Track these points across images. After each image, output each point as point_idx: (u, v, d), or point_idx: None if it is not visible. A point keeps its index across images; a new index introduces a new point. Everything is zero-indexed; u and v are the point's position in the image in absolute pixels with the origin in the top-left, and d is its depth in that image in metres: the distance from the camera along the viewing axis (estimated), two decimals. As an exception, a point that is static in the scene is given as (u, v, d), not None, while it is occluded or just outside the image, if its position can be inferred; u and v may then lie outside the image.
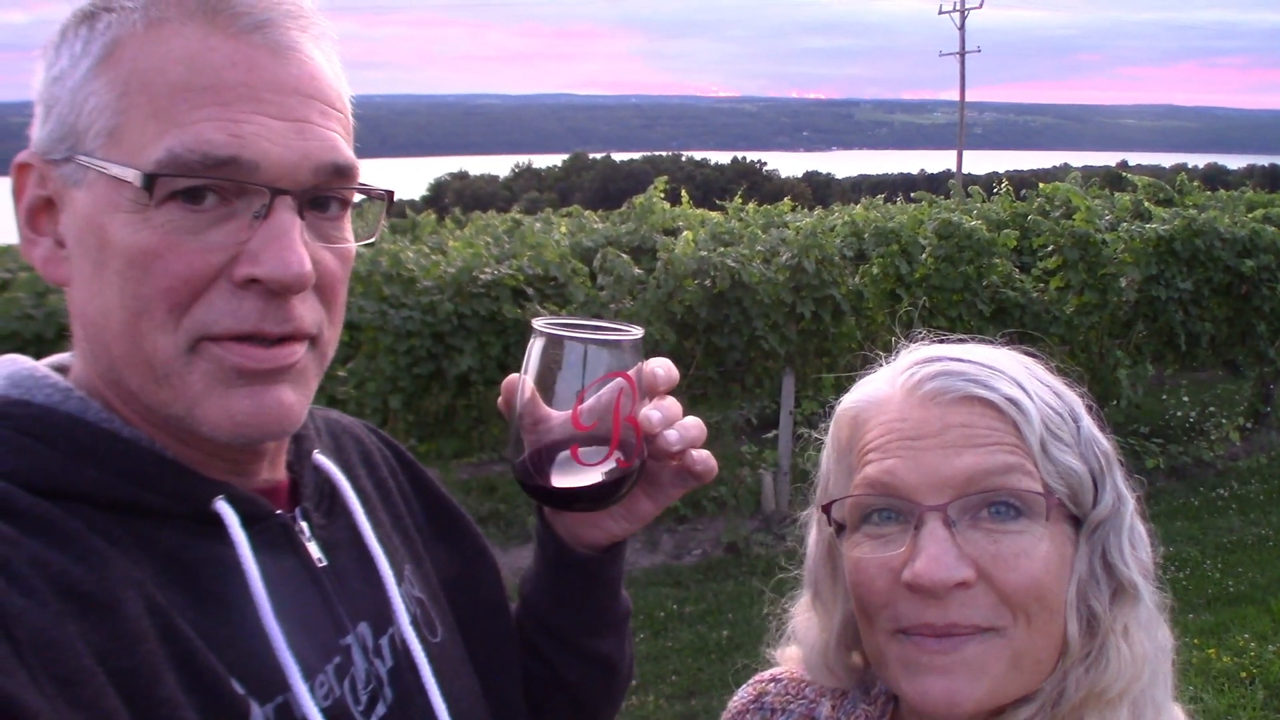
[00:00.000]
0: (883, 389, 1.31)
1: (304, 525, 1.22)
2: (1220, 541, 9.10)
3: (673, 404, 1.31)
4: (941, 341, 1.35)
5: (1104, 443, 1.28)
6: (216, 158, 1.01)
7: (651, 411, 1.27)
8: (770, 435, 10.56)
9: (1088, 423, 1.28)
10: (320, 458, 1.31)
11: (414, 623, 1.30)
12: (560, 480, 1.26)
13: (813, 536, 1.41)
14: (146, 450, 1.08)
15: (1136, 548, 1.27)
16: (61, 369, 1.16)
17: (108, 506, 1.03)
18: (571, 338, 1.25)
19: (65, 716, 0.87)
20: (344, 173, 1.11)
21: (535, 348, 1.26)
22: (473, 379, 8.38)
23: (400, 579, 1.32)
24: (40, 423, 1.05)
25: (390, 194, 1.19)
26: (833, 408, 1.37)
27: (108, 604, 0.95)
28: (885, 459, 1.23)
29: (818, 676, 1.44)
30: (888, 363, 1.36)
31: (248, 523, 1.11)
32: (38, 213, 1.10)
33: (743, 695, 1.54)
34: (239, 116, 1.02)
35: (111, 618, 0.95)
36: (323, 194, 1.10)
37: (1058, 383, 1.30)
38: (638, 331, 1.28)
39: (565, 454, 1.25)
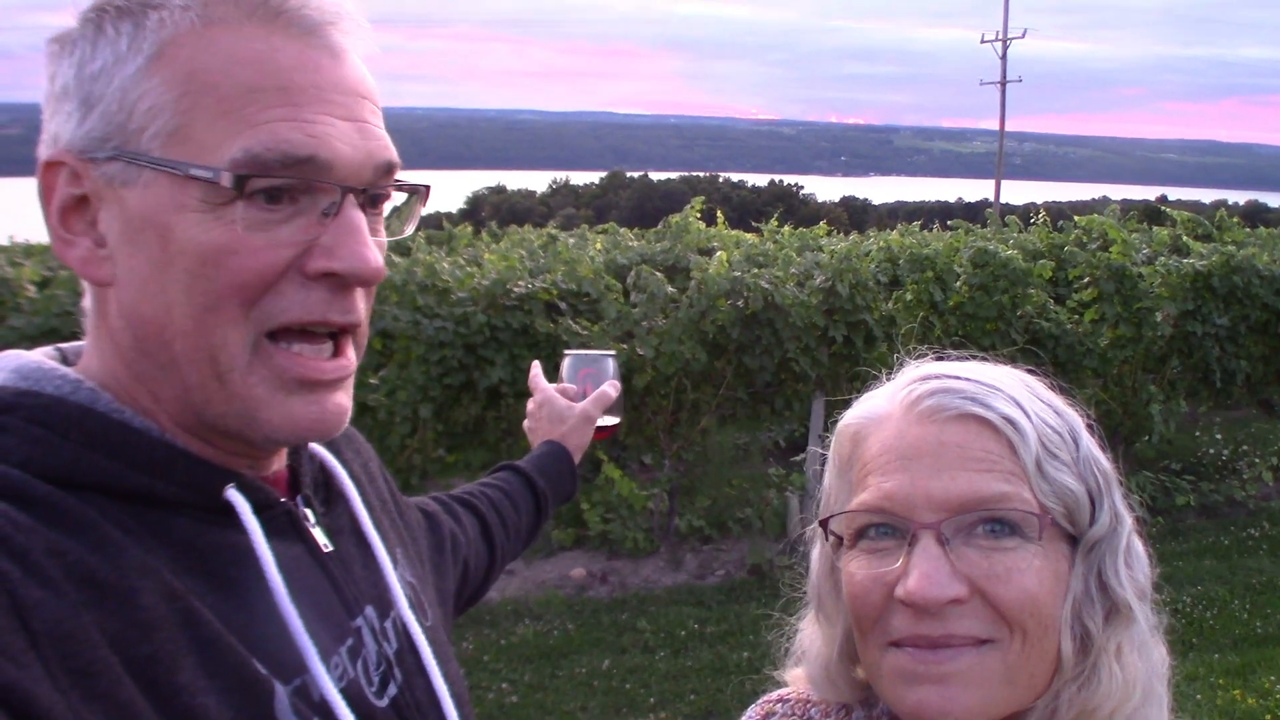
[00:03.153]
0: (882, 406, 1.32)
1: (307, 512, 1.24)
2: (1249, 582, 8.99)
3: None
4: (941, 359, 1.35)
5: (1104, 462, 1.28)
6: (295, 156, 1.03)
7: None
8: (798, 458, 10.54)
9: (1087, 441, 1.28)
10: (316, 447, 1.33)
11: (410, 606, 1.33)
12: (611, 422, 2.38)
13: (816, 551, 1.41)
14: (158, 440, 1.08)
15: (1133, 568, 1.26)
16: (63, 360, 1.16)
17: (120, 496, 1.03)
18: (594, 355, 2.44)
19: (80, 709, 0.87)
20: (393, 170, 1.15)
21: (568, 367, 2.42)
22: (503, 391, 8.41)
23: (395, 563, 1.35)
24: (51, 413, 1.04)
25: (427, 189, 1.23)
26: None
27: (124, 592, 0.95)
28: (883, 477, 1.24)
29: (822, 691, 1.44)
30: (889, 379, 1.37)
31: (257, 511, 1.12)
32: (69, 212, 1.09)
33: (750, 715, 1.54)
34: (310, 117, 1.05)
35: (128, 606, 0.95)
36: (378, 191, 1.14)
37: (1058, 401, 1.30)
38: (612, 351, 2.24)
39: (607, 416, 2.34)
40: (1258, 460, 11.85)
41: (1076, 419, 1.29)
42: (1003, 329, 10.06)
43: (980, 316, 10.07)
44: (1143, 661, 1.24)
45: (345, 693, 1.13)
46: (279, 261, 1.06)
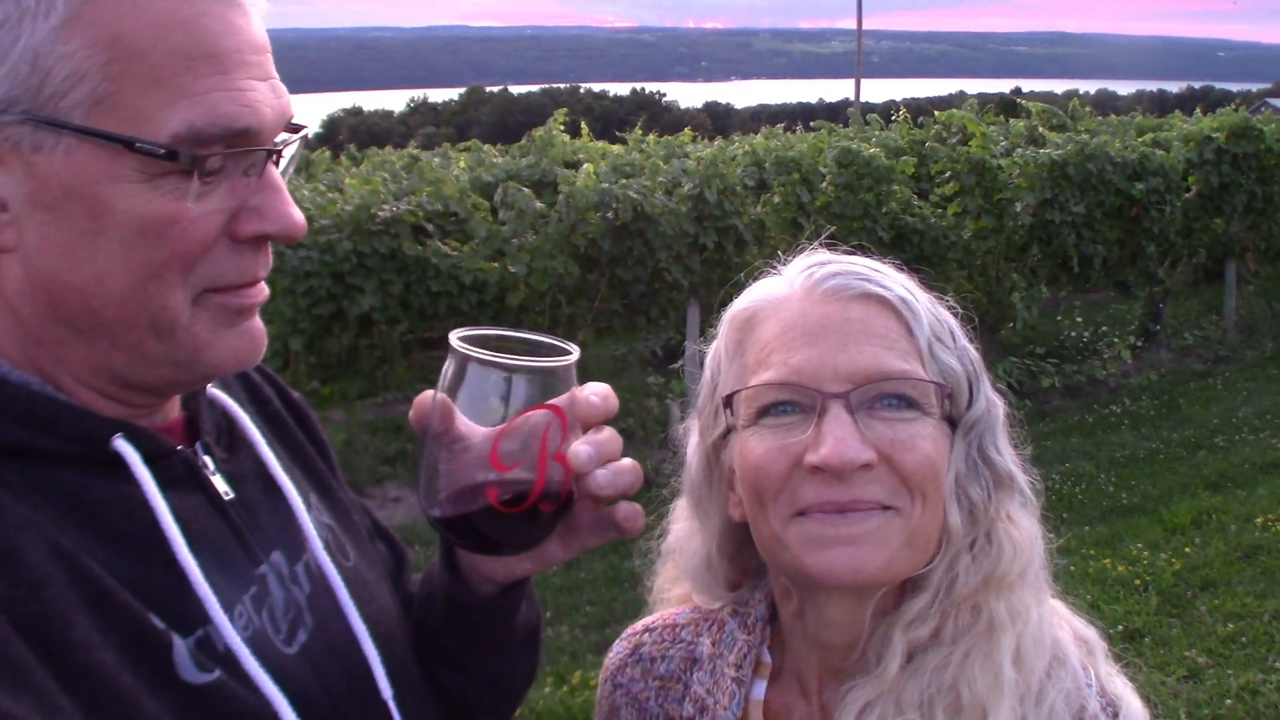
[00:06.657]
0: (780, 289, 1.35)
1: (207, 460, 1.20)
2: (1114, 456, 9.41)
3: (609, 439, 1.22)
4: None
5: (974, 352, 1.35)
6: (234, 130, 1.02)
7: (581, 447, 1.17)
8: (676, 366, 10.61)
9: (960, 331, 1.35)
10: (215, 391, 1.28)
11: (326, 548, 1.29)
12: (478, 524, 1.15)
13: (692, 444, 1.45)
14: (38, 393, 1.05)
15: (1008, 445, 1.35)
16: None
17: (1, 452, 1.00)
18: (493, 361, 1.11)
19: None
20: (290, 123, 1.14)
21: (450, 369, 1.13)
22: (375, 318, 8.28)
23: (308, 506, 1.31)
24: None
25: (306, 134, 1.19)
26: None
27: (8, 551, 0.94)
28: (789, 353, 1.27)
29: (699, 587, 1.48)
30: (779, 271, 1.39)
31: (150, 460, 1.09)
32: None
33: (618, 651, 1.54)
34: (240, 84, 1.03)
35: (13, 565, 0.93)
36: (283, 146, 1.12)
37: (931, 296, 1.37)
38: (574, 353, 1.16)
39: (483, 495, 1.13)
40: (1116, 340, 12.33)
41: (947, 312, 1.37)
42: (869, 226, 10.21)
43: (847, 215, 10.20)
44: (1031, 526, 1.33)
45: (251, 642, 1.11)
46: (214, 228, 1.05)
